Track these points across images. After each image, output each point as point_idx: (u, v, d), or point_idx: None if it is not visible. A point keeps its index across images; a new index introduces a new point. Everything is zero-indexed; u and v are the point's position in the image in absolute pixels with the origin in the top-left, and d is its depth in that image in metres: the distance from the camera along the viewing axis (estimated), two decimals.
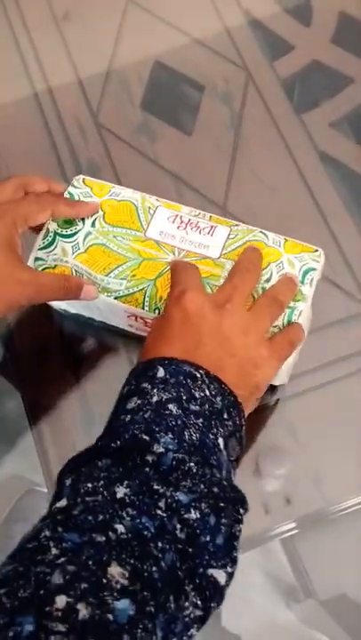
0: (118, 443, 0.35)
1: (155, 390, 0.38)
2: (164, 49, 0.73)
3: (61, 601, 0.27)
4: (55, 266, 0.53)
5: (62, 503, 0.32)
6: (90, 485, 0.32)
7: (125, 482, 0.32)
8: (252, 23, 0.74)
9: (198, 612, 0.31)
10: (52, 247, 0.53)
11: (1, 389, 0.62)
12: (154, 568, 0.29)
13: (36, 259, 0.53)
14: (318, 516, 0.53)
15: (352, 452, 0.55)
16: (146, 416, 0.36)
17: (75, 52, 0.74)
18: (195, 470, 0.34)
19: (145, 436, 0.35)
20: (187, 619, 0.30)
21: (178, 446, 0.35)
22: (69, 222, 0.54)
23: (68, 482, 0.34)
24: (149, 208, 0.54)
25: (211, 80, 0.71)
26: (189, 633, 0.30)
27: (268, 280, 0.51)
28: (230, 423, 0.39)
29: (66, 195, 0.56)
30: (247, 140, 0.67)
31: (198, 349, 0.41)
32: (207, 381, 0.39)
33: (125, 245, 0.53)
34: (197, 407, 0.37)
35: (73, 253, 0.53)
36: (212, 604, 0.31)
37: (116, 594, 0.27)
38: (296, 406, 0.56)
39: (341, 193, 0.64)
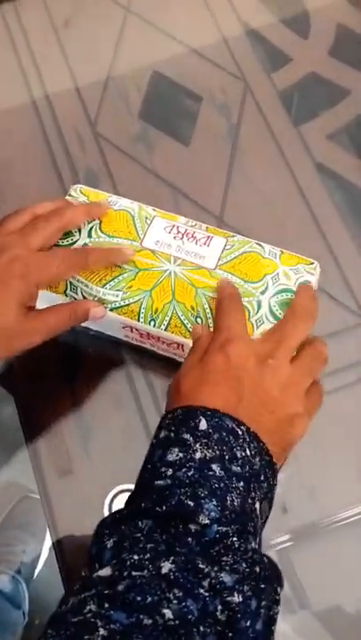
0: (164, 508, 0.34)
1: (197, 445, 0.37)
2: (163, 59, 0.73)
3: None
4: None
5: (106, 572, 0.31)
6: (135, 558, 0.31)
7: (171, 557, 0.31)
8: (251, 34, 0.74)
9: None
10: None
11: None
12: None
13: None
14: (313, 528, 0.53)
15: (347, 463, 0.55)
16: (190, 474, 0.35)
17: (73, 61, 0.74)
18: (237, 545, 0.33)
19: (190, 502, 0.34)
20: None
21: (220, 514, 0.34)
22: (66, 232, 0.54)
23: (109, 544, 0.33)
24: (146, 218, 0.54)
25: (209, 91, 0.71)
26: None
27: (263, 292, 0.51)
28: (265, 485, 0.38)
29: None
30: (244, 151, 0.68)
31: (240, 403, 0.40)
32: (248, 439, 0.38)
33: None
34: (239, 469, 0.36)
35: None
36: None
37: None
38: None
39: (338, 205, 0.65)
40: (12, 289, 0.46)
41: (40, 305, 0.57)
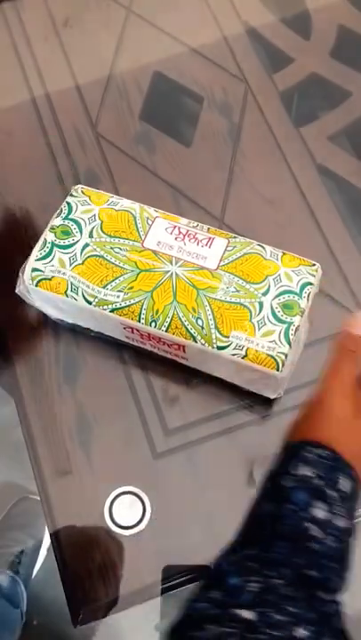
0: (309, 573, 0.34)
1: (339, 509, 0.36)
2: (164, 59, 0.73)
3: None
4: (52, 277, 0.53)
5: (249, 616, 0.32)
6: (277, 618, 0.32)
7: (307, 626, 0.33)
8: (252, 35, 0.74)
9: None
10: (50, 258, 0.53)
11: None
12: None
13: (33, 269, 0.53)
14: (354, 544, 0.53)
15: None
16: (334, 547, 0.35)
17: (74, 61, 0.74)
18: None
19: (335, 578, 0.35)
20: None
21: (341, 585, 0.35)
22: (67, 233, 0.54)
23: (253, 587, 0.34)
24: (147, 218, 0.54)
25: (210, 91, 0.71)
26: None
27: (265, 294, 0.51)
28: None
29: (64, 204, 0.56)
30: (245, 153, 0.67)
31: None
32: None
33: (123, 257, 0.53)
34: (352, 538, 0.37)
35: (70, 265, 0.53)
36: None
37: None
38: (292, 419, 0.56)
39: (339, 206, 0.65)
40: None
41: (41, 305, 0.57)
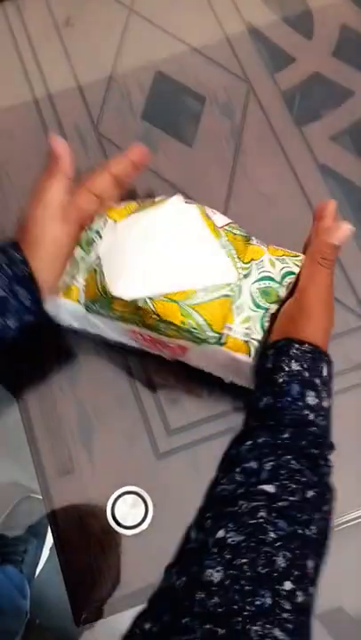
0: (314, 451, 0.42)
1: (324, 394, 0.44)
2: (166, 59, 0.73)
3: (287, 585, 0.36)
4: (69, 285, 0.53)
5: (270, 489, 0.40)
6: (293, 486, 0.40)
7: (314, 489, 0.41)
8: (254, 35, 0.74)
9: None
10: (76, 270, 0.54)
11: None
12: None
13: (64, 282, 0.54)
14: None
15: (349, 466, 0.55)
16: (323, 424, 0.44)
17: (76, 60, 0.74)
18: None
19: (326, 441, 0.44)
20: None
21: (331, 451, 0.44)
22: (89, 243, 0.54)
23: (268, 466, 0.41)
24: (154, 202, 0.55)
25: (212, 91, 0.71)
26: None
27: (246, 276, 0.51)
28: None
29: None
30: (247, 152, 0.67)
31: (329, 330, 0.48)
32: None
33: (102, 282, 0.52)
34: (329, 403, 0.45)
35: (82, 272, 0.54)
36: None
37: (310, 583, 0.38)
38: None
39: (341, 206, 0.64)
40: None
41: (56, 310, 0.56)
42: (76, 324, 0.57)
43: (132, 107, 0.70)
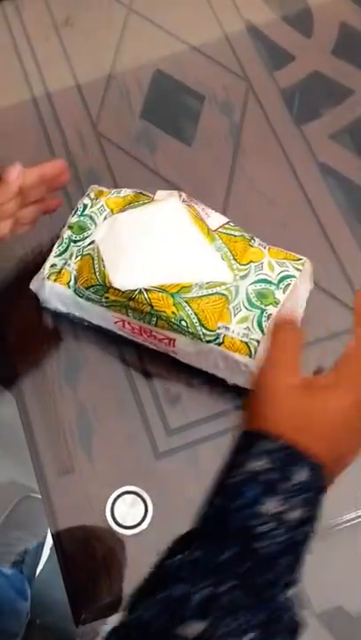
0: (256, 576, 0.33)
1: (295, 501, 0.34)
2: (165, 57, 0.73)
3: None
4: (61, 269, 0.55)
5: (197, 628, 0.31)
6: (225, 629, 0.31)
7: (258, 630, 0.31)
8: (253, 33, 0.74)
9: None
10: (66, 252, 0.56)
11: None
12: None
13: (52, 265, 0.55)
14: (315, 530, 0.53)
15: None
16: (282, 540, 0.33)
17: (75, 60, 0.74)
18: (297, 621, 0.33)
19: (290, 574, 0.33)
20: None
21: (295, 577, 0.34)
22: (83, 228, 0.55)
23: (198, 597, 0.32)
24: (153, 194, 0.56)
25: (211, 90, 0.71)
26: None
27: (243, 277, 0.51)
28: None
29: (80, 204, 0.58)
30: (246, 151, 0.67)
31: (336, 451, 0.37)
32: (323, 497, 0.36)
33: (101, 269, 0.53)
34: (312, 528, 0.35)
35: (75, 257, 0.55)
36: None
37: None
38: None
39: (341, 204, 0.64)
40: None
41: (50, 298, 0.57)
42: (63, 308, 0.57)
43: (131, 105, 0.70)
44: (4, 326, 0.61)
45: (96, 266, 0.52)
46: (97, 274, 0.52)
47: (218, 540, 0.34)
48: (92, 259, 0.53)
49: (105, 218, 0.56)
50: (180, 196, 0.55)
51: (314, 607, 0.52)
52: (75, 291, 0.54)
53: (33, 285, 0.56)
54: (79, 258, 0.54)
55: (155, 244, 0.51)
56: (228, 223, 0.54)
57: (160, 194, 0.55)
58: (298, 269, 0.52)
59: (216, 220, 0.54)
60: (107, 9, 0.76)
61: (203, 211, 0.54)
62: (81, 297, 0.54)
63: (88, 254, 0.54)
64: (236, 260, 0.51)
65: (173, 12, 0.76)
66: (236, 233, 0.53)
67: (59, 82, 0.72)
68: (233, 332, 0.50)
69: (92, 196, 0.58)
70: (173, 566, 0.34)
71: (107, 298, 0.52)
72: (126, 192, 0.57)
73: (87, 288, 0.53)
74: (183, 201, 0.54)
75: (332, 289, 0.60)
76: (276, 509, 0.33)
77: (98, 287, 0.52)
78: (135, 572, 0.53)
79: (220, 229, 0.53)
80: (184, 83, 0.71)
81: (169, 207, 0.52)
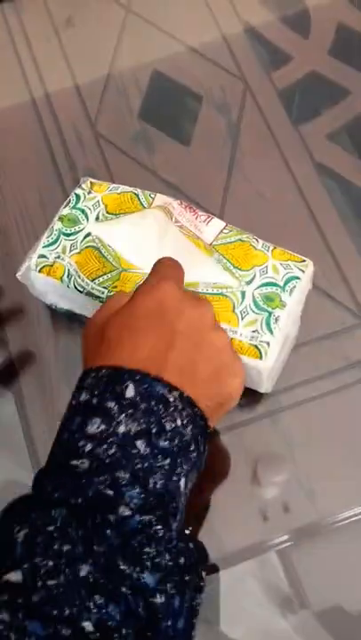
0: (79, 500, 0.31)
1: (122, 416, 0.33)
2: (163, 58, 0.73)
3: None
4: (53, 263, 0.54)
5: (17, 578, 0.28)
6: (50, 564, 0.28)
7: (89, 560, 0.29)
8: (251, 34, 0.74)
9: None
10: (56, 245, 0.55)
11: None
12: None
13: (40, 255, 0.55)
14: (314, 528, 0.53)
15: (347, 464, 0.55)
16: (110, 453, 0.32)
17: (74, 60, 0.74)
18: (160, 534, 0.31)
19: (109, 491, 0.31)
20: None
21: (143, 501, 0.31)
22: (74, 221, 0.55)
23: (19, 537, 0.30)
24: (150, 195, 0.56)
25: (208, 90, 0.71)
26: None
27: (249, 282, 0.51)
28: (195, 455, 0.35)
29: (72, 195, 0.57)
30: (244, 151, 0.68)
31: (171, 352, 0.36)
32: (180, 407, 0.34)
33: (112, 252, 0.53)
34: (166, 443, 0.33)
35: (70, 251, 0.54)
36: None
37: None
38: (292, 417, 0.56)
39: (338, 205, 0.65)
40: None
41: (39, 291, 0.57)
42: (55, 302, 0.57)
43: (129, 106, 0.71)
44: (2, 326, 0.61)
45: (105, 252, 0.52)
46: (110, 259, 0.52)
47: (41, 477, 0.35)
48: (97, 249, 0.53)
49: (97, 216, 0.55)
50: (174, 209, 0.54)
51: (312, 606, 0.53)
52: (74, 285, 0.54)
53: (20, 275, 0.56)
54: (77, 252, 0.54)
55: (169, 248, 0.51)
56: (223, 230, 0.54)
57: (160, 198, 0.55)
58: (302, 270, 0.52)
59: (211, 231, 0.53)
60: (105, 10, 0.76)
61: (196, 228, 0.54)
62: (81, 292, 0.53)
63: (89, 247, 0.54)
64: (237, 267, 0.52)
65: (171, 13, 0.76)
66: (233, 239, 0.53)
67: (57, 82, 0.73)
68: (241, 335, 0.50)
69: (86, 187, 0.57)
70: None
71: (114, 287, 0.52)
72: (125, 189, 0.57)
73: (94, 279, 0.52)
74: (175, 222, 0.53)
75: (328, 288, 0.61)
76: (100, 428, 0.33)
77: (110, 274, 0.52)
78: None
79: (214, 242, 0.53)
80: (182, 83, 0.72)
81: (162, 229, 0.53)
